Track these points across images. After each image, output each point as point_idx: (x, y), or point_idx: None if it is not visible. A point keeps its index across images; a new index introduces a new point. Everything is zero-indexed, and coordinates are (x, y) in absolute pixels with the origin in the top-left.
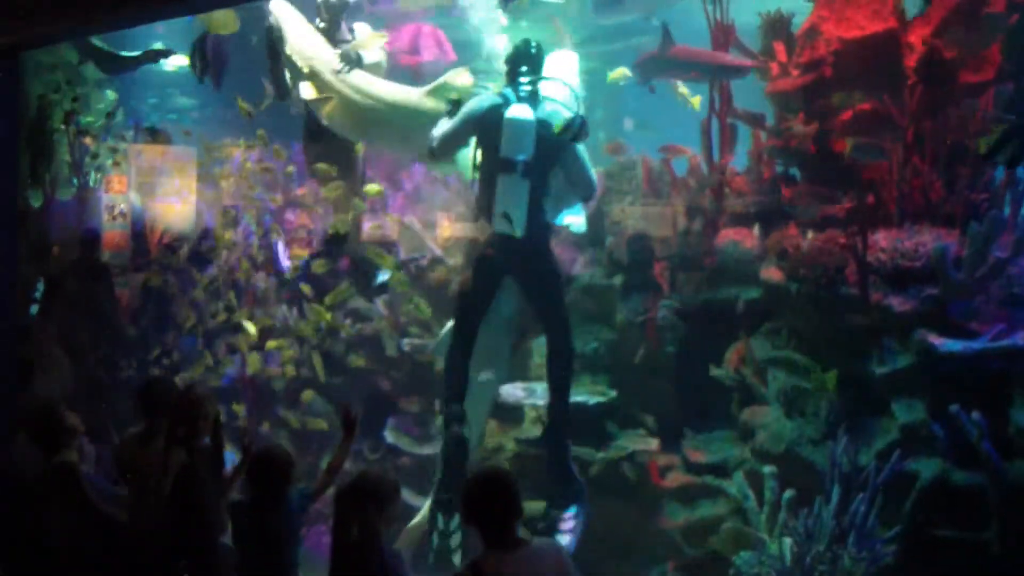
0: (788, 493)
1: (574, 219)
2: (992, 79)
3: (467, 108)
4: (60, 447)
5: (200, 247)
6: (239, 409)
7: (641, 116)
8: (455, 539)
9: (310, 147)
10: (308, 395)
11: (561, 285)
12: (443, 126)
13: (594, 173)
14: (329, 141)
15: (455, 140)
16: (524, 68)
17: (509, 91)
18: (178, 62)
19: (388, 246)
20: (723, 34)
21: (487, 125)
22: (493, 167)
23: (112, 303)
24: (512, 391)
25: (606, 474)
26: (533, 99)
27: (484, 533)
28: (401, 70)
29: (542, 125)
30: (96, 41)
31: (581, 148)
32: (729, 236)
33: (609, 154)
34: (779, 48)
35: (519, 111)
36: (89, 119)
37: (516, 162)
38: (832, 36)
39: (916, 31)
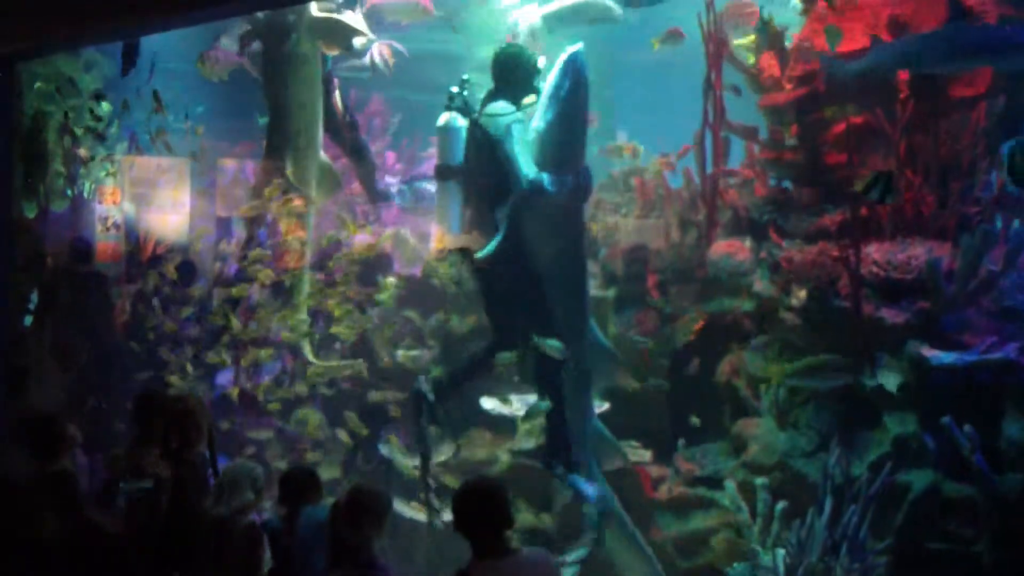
0: (781, 505)
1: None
2: (983, 93)
3: None
4: (57, 456)
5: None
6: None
7: (633, 127)
8: None
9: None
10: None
11: (488, 292)
12: None
13: (526, 168)
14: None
15: None
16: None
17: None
18: None
19: (383, 259)
20: (717, 47)
21: None
22: None
23: (105, 314)
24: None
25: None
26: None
27: (474, 542)
28: None
29: (478, 127)
30: None
31: (511, 141)
32: (722, 248)
33: (629, 157)
34: (772, 62)
35: (440, 119)
36: (83, 130)
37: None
38: (825, 50)
39: None
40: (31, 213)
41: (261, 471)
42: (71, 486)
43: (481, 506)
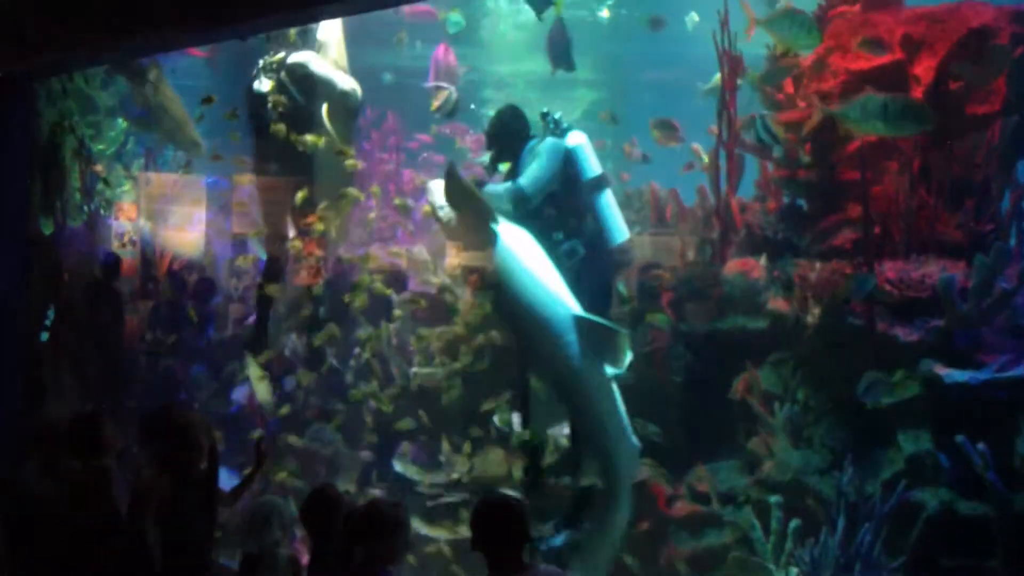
0: (794, 523)
1: None
2: (998, 111)
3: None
4: (99, 455)
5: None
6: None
7: (648, 145)
8: None
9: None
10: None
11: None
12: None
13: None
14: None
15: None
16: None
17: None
18: None
19: (397, 275)
20: (731, 65)
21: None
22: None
23: (119, 330)
24: (518, 419)
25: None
26: None
27: (490, 558)
28: None
29: None
30: None
31: None
32: (736, 266)
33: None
34: (786, 80)
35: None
36: (100, 147)
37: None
38: (839, 68)
39: (922, 63)
40: (48, 229)
41: (288, 507)
42: (108, 483)
43: (499, 522)
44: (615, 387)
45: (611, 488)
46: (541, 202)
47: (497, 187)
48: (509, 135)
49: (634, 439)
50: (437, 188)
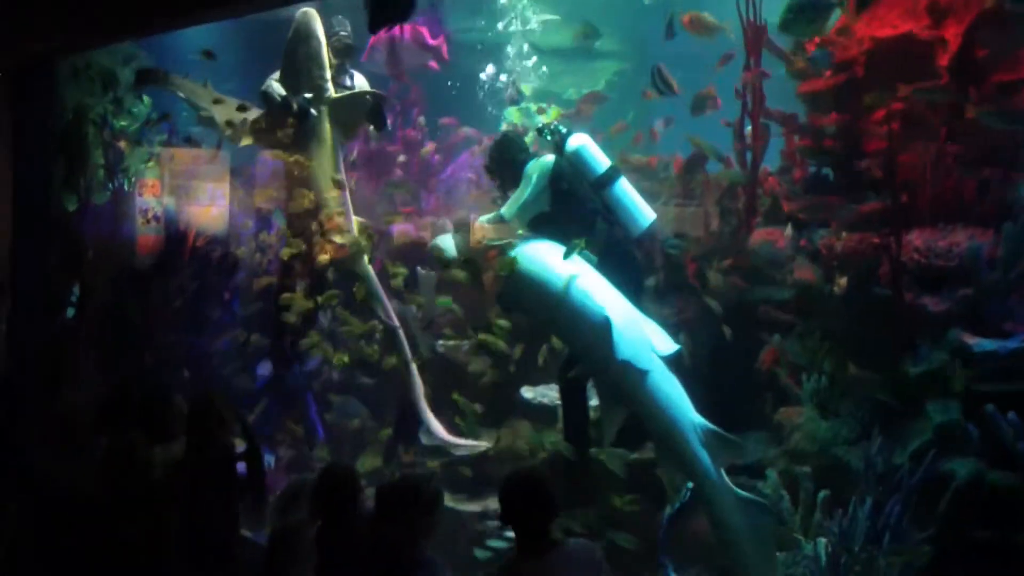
0: (823, 494)
1: None
2: None
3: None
4: (127, 428)
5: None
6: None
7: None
8: None
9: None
10: None
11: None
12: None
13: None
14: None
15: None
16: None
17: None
18: None
19: (420, 248)
20: (755, 34)
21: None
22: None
23: (144, 309)
24: (546, 392)
25: (639, 475)
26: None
27: (520, 533)
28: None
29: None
30: None
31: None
32: (762, 237)
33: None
34: (811, 48)
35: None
36: (123, 123)
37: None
38: (864, 36)
39: (949, 30)
40: (71, 206)
41: None
42: (137, 453)
43: (529, 497)
44: (658, 379)
45: (700, 488)
46: (549, 217)
47: (484, 220)
48: (505, 165)
49: (697, 420)
50: (446, 243)
